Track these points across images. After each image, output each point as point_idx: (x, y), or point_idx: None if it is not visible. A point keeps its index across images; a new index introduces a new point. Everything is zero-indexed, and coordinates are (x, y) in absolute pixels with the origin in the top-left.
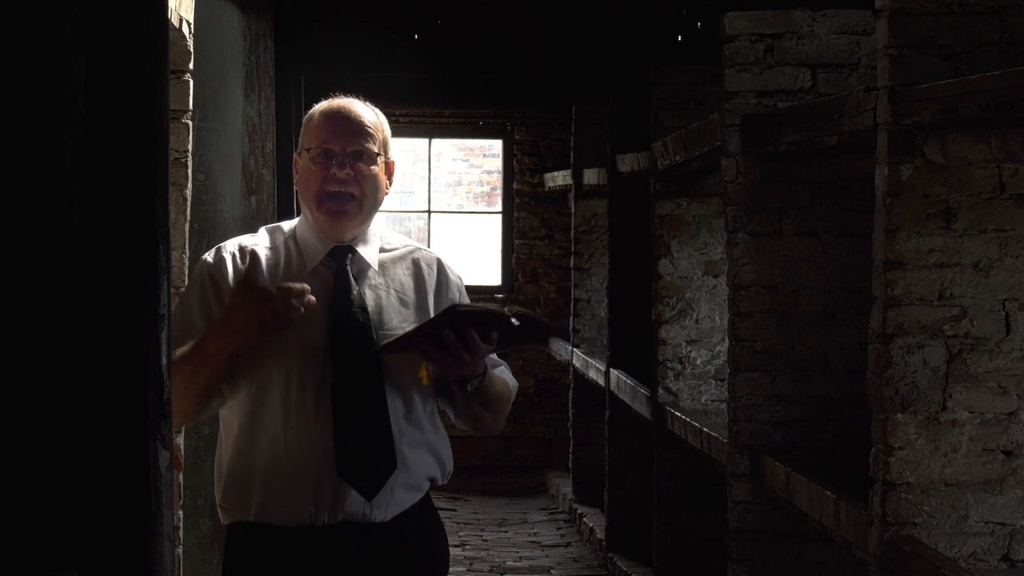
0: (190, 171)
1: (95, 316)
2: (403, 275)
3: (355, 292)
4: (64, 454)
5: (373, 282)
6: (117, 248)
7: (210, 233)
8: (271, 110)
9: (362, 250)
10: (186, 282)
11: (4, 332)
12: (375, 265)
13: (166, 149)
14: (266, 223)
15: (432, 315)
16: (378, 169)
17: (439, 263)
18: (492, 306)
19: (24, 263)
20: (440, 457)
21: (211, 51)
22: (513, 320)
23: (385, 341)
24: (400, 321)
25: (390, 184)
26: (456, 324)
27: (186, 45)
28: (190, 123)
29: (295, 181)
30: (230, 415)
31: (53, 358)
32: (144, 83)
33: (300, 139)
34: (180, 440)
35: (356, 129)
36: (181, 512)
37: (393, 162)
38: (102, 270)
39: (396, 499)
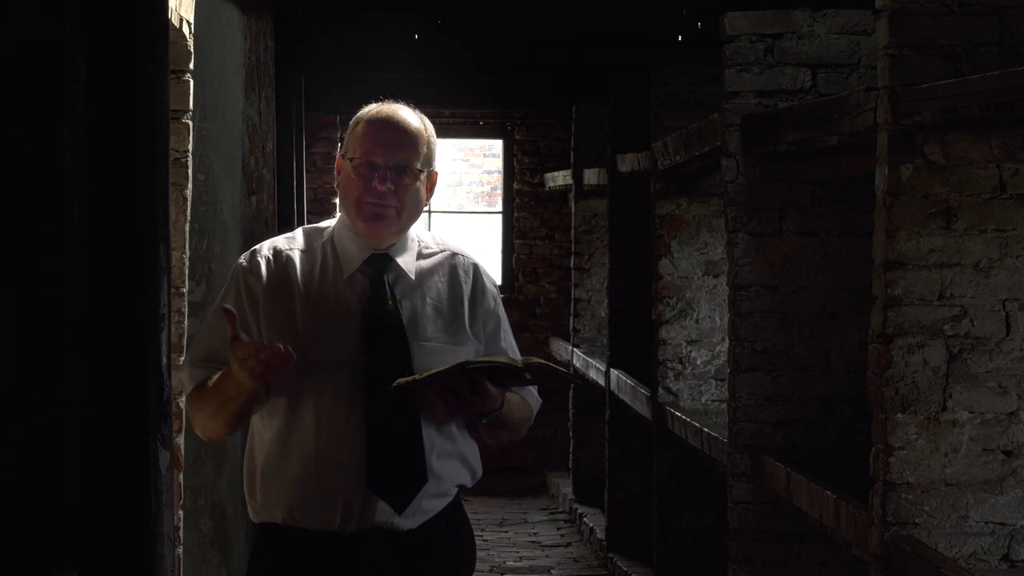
0: (190, 171)
1: (95, 316)
2: (439, 283)
3: (390, 303)
4: (64, 454)
5: (409, 291)
6: (117, 248)
7: (210, 233)
8: (271, 110)
9: (400, 259)
10: (186, 282)
11: (4, 332)
12: (412, 274)
13: (166, 149)
14: (266, 223)
15: (466, 324)
16: (420, 184)
17: (475, 269)
18: (503, 359)
19: (24, 263)
20: (470, 464)
21: (211, 51)
22: (526, 375)
23: (399, 381)
24: (435, 331)
25: (431, 195)
26: (467, 374)
27: (186, 45)
28: (190, 123)
29: (336, 183)
30: (266, 418)
31: (53, 358)
32: (144, 83)
33: (345, 142)
34: (180, 440)
35: (400, 142)
36: (181, 512)
37: (436, 173)
38: (102, 270)
39: (424, 508)
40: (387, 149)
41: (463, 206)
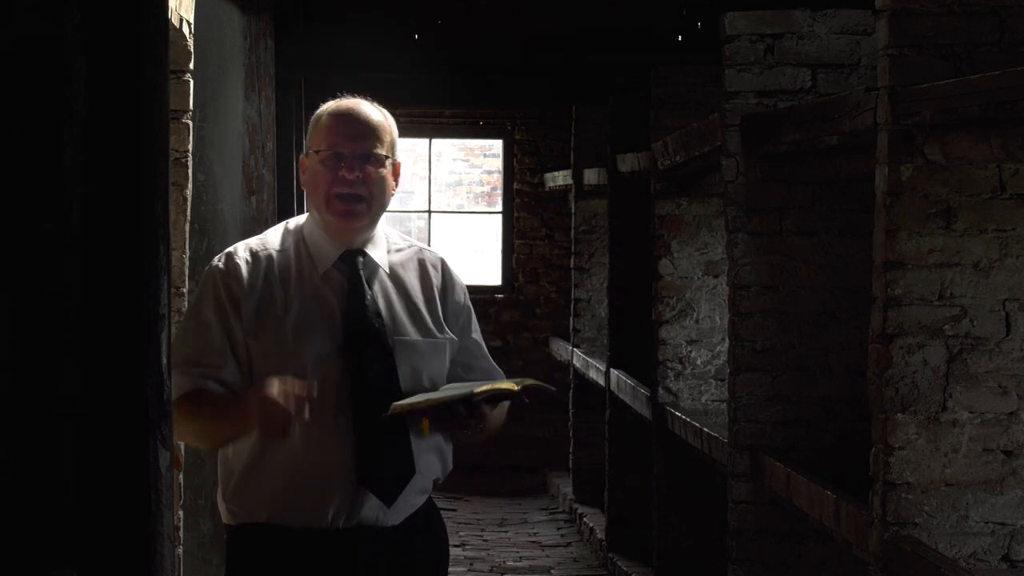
0: (190, 171)
1: (95, 316)
2: (411, 277)
3: (368, 297)
4: (64, 454)
5: (384, 285)
6: (117, 248)
7: (210, 233)
8: (271, 110)
9: (372, 252)
10: (186, 282)
11: (4, 332)
12: (385, 267)
13: (166, 149)
14: (266, 223)
15: (440, 316)
16: (386, 171)
17: (443, 264)
18: (505, 385)
19: (24, 263)
20: (444, 458)
21: (211, 51)
22: (525, 399)
23: (395, 406)
24: (412, 324)
25: (396, 185)
26: (470, 402)
27: (186, 45)
28: (190, 123)
29: (302, 182)
30: None
31: (53, 358)
32: (144, 83)
33: (307, 140)
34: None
35: (365, 132)
36: (181, 512)
37: (400, 163)
38: (102, 270)
39: (409, 503)
40: (352, 139)
41: (463, 206)
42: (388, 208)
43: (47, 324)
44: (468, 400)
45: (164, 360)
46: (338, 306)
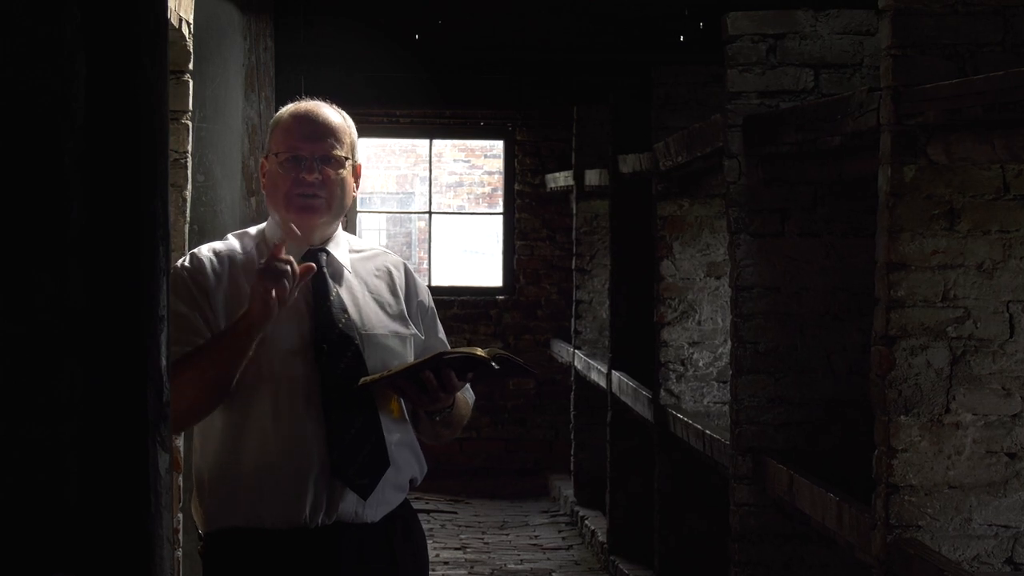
0: (190, 172)
1: (95, 316)
2: (375, 276)
3: (334, 293)
4: (64, 455)
5: (348, 282)
6: (117, 248)
7: (210, 234)
8: (271, 110)
9: (334, 251)
10: None
11: (3, 332)
12: (348, 266)
13: (166, 149)
14: None
15: (405, 313)
16: (346, 173)
17: (405, 266)
18: (475, 351)
19: (24, 263)
20: (419, 457)
21: (211, 51)
22: (493, 364)
23: (364, 379)
24: (379, 321)
25: (357, 187)
26: (437, 367)
27: (186, 45)
28: (190, 123)
29: (262, 185)
30: (216, 418)
31: (53, 358)
32: (143, 83)
33: (267, 143)
34: (179, 442)
35: (324, 133)
36: (180, 515)
37: (360, 165)
38: (102, 270)
39: (386, 499)
40: (311, 141)
41: (464, 207)
42: (386, 208)
43: (47, 325)
44: (437, 363)
45: (163, 362)
46: (304, 302)
